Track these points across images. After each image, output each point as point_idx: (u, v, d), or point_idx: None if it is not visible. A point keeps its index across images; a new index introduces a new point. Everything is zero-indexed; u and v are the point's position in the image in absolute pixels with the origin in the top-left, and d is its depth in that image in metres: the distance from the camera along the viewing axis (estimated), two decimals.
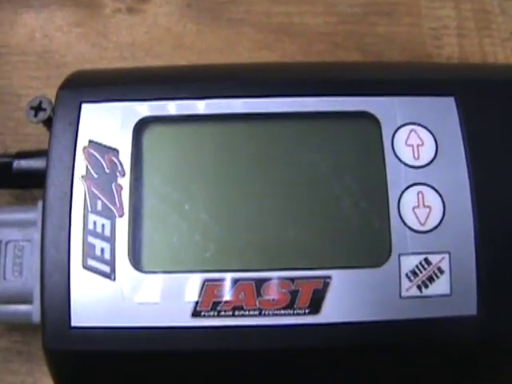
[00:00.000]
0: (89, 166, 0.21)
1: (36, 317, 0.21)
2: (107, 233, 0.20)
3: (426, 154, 0.21)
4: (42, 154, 0.23)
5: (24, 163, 0.23)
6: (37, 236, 0.21)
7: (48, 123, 0.22)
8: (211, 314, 0.20)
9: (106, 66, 0.28)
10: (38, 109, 0.22)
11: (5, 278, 0.21)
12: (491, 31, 0.28)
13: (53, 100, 0.22)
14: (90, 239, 0.20)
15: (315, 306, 0.19)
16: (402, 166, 0.21)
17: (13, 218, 0.22)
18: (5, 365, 0.24)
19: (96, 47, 0.28)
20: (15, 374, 0.24)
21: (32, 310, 0.21)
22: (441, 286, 0.20)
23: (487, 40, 0.28)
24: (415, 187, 0.20)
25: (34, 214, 0.22)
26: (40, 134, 0.25)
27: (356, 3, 0.29)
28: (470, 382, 0.21)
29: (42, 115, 0.22)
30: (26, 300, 0.21)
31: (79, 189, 0.21)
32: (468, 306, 0.20)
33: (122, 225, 0.20)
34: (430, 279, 0.20)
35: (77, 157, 0.21)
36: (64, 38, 0.29)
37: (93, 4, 0.29)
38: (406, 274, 0.20)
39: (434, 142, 0.21)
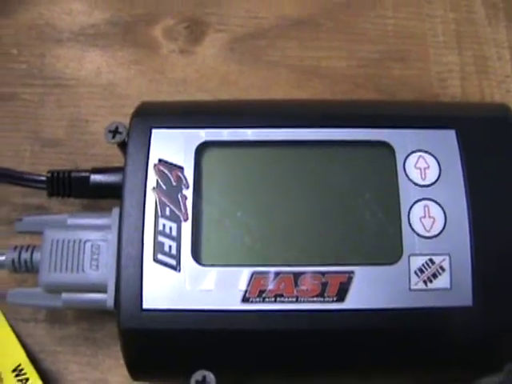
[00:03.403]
0: (159, 180, 0.23)
1: (110, 303, 0.23)
2: (174, 233, 0.23)
3: (431, 175, 0.23)
4: (115, 170, 0.26)
5: (99, 177, 0.26)
6: (111, 237, 0.24)
7: (122, 145, 0.25)
8: (257, 300, 0.22)
9: (162, 99, 0.29)
10: (115, 132, 0.25)
11: (83, 271, 0.24)
12: (489, 75, 0.31)
13: (127, 125, 0.25)
14: (160, 238, 0.23)
15: (341, 295, 0.22)
16: (412, 184, 0.23)
17: (89, 222, 0.25)
18: (74, 348, 0.27)
19: (153, 82, 0.31)
20: (82, 355, 0.27)
21: (106, 297, 0.23)
22: (442, 282, 0.22)
23: (486, 82, 0.31)
24: (422, 202, 0.23)
25: (107, 220, 0.25)
26: (105, 154, 0.29)
27: (374, 50, 0.32)
28: (466, 365, 0.23)
29: (119, 137, 0.25)
30: (100, 290, 0.24)
31: (151, 198, 0.23)
32: (465, 299, 0.22)
33: (186, 227, 0.23)
34: (434, 276, 0.22)
35: (148, 172, 0.23)
36: (125, 73, 0.31)
37: (150, 45, 0.32)
38: (415, 271, 0.22)
39: (437, 166, 0.24)
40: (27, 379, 0.25)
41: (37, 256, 0.25)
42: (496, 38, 0.32)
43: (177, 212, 0.23)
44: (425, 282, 0.23)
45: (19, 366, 0.25)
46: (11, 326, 0.27)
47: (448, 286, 0.23)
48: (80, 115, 0.31)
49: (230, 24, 0.32)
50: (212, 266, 0.23)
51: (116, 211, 0.24)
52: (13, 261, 0.25)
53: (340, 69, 0.31)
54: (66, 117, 0.31)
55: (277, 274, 0.22)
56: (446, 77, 0.31)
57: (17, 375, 0.25)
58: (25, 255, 0.25)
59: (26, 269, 0.25)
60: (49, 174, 0.27)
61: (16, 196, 0.29)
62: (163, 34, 0.32)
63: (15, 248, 0.25)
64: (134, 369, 0.23)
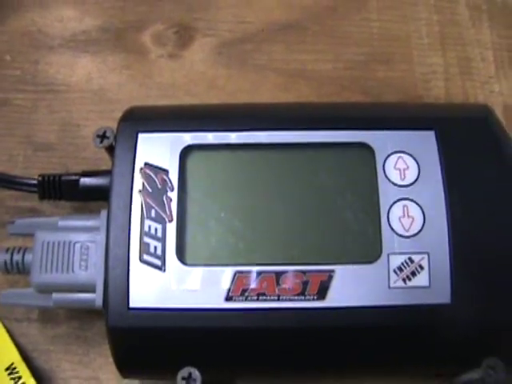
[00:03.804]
0: (145, 183, 0.24)
1: (99, 303, 0.24)
2: (159, 234, 0.23)
3: (411, 175, 0.24)
4: (103, 173, 0.26)
5: (88, 180, 0.26)
6: (99, 238, 0.24)
7: (109, 149, 0.26)
8: (240, 298, 0.23)
9: (151, 103, 0.30)
10: (103, 137, 0.25)
11: (73, 271, 0.25)
12: (473, 76, 0.32)
13: (114, 130, 0.26)
14: (146, 239, 0.23)
15: (322, 294, 0.23)
16: (391, 185, 0.24)
17: (78, 224, 0.26)
18: (65, 347, 0.27)
19: (143, 87, 0.32)
20: (74, 354, 0.27)
21: (95, 297, 0.24)
22: (421, 280, 0.23)
23: (469, 83, 0.32)
24: (401, 202, 0.24)
25: (95, 221, 0.25)
26: (95, 158, 0.29)
27: (360, 52, 0.32)
28: (446, 361, 0.24)
29: (106, 142, 0.25)
30: (89, 290, 0.24)
31: (137, 200, 0.24)
32: (443, 296, 0.23)
33: (171, 228, 0.23)
34: (413, 274, 0.23)
35: (135, 175, 0.24)
36: (116, 78, 0.32)
37: (140, 50, 0.32)
38: (394, 270, 0.23)
39: (417, 167, 0.24)
40: (20, 377, 0.26)
41: (28, 257, 0.26)
42: (479, 39, 0.33)
43: (162, 214, 0.24)
44: (404, 280, 0.23)
45: (12, 364, 0.26)
46: (4, 325, 0.27)
47: (427, 283, 0.23)
48: (71, 120, 0.31)
49: (218, 29, 0.33)
50: (196, 265, 0.23)
51: (104, 213, 0.25)
52: (5, 262, 0.26)
53: (326, 71, 0.32)
54: (57, 121, 0.31)
55: (259, 273, 0.23)
56: (430, 78, 0.32)
57: (10, 373, 0.26)
58: (16, 257, 0.26)
59: (17, 270, 0.26)
60: (40, 178, 0.27)
61: (9, 199, 0.30)
62: (153, 39, 0.33)
63: (7, 250, 0.26)
64: (122, 366, 0.24)
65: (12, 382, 0.26)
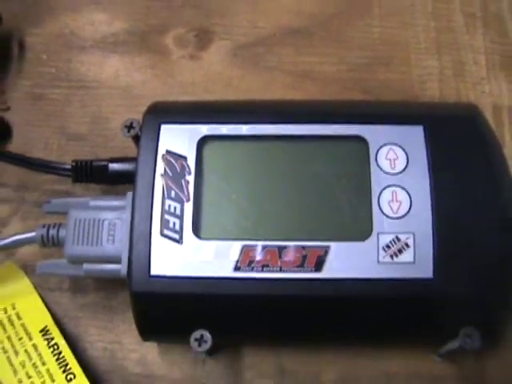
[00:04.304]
0: (166, 168, 0.27)
1: (123, 272, 0.27)
2: (178, 212, 0.26)
3: (400, 165, 0.26)
4: (129, 160, 0.29)
5: (116, 166, 0.29)
6: (125, 216, 0.27)
7: (135, 138, 0.28)
8: (247, 269, 0.25)
9: (173, 99, 0.32)
10: (130, 127, 0.28)
11: (102, 245, 0.27)
12: (465, 77, 0.34)
13: (140, 121, 0.28)
14: (166, 216, 0.26)
15: (319, 266, 0.25)
16: (382, 173, 0.26)
17: (107, 204, 0.28)
18: (92, 314, 0.30)
19: (165, 84, 0.34)
20: (100, 320, 0.30)
21: (120, 267, 0.27)
22: (407, 256, 0.25)
23: (462, 84, 0.34)
24: (391, 187, 0.26)
25: (122, 202, 0.28)
26: (122, 146, 0.32)
27: (362, 56, 0.35)
28: (428, 330, 0.26)
29: (133, 132, 0.28)
30: (116, 261, 0.27)
31: (159, 183, 0.26)
32: (426, 271, 0.25)
33: (188, 207, 0.26)
34: (400, 251, 0.25)
35: (157, 161, 0.27)
36: (141, 76, 0.35)
37: (163, 51, 0.35)
38: (383, 247, 0.25)
39: (406, 157, 0.27)
40: (52, 338, 0.29)
41: (62, 232, 0.29)
42: (473, 44, 0.35)
43: (180, 194, 0.27)
44: (391, 257, 0.26)
45: (46, 327, 0.29)
46: (40, 294, 0.31)
47: (412, 260, 0.25)
48: (101, 113, 0.34)
49: (233, 33, 0.35)
50: (209, 239, 0.26)
51: (130, 194, 0.28)
52: (42, 236, 0.29)
53: (330, 73, 0.34)
54: (88, 114, 0.34)
55: (264, 247, 0.26)
56: (425, 79, 0.34)
57: (44, 335, 0.29)
58: (52, 231, 0.29)
59: (52, 243, 0.29)
60: (73, 163, 0.30)
61: (46, 183, 0.33)
62: (175, 41, 0.36)
63: (43, 226, 0.29)
64: (143, 329, 0.27)
65: (45, 342, 0.29)
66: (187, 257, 0.26)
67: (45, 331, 0.29)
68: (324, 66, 0.34)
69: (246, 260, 0.26)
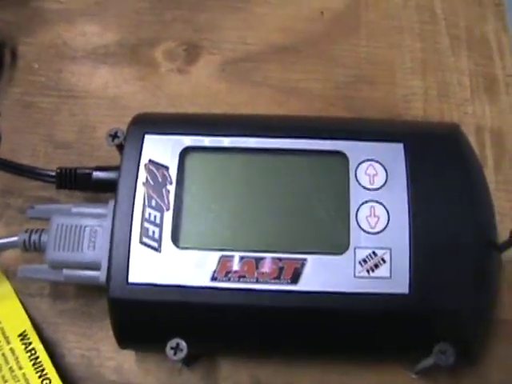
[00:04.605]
0: (148, 177, 0.27)
1: (102, 278, 0.27)
2: (157, 221, 0.26)
3: (379, 181, 0.27)
4: (113, 168, 0.29)
5: (100, 174, 0.30)
6: (106, 223, 0.28)
7: (120, 147, 0.29)
8: (224, 279, 0.25)
9: (159, 111, 0.33)
10: (114, 136, 0.28)
11: (82, 251, 0.28)
12: (449, 98, 0.34)
13: (124, 131, 0.29)
14: (146, 224, 0.26)
15: (295, 278, 0.25)
16: (361, 188, 0.27)
17: (89, 211, 0.29)
18: (71, 321, 0.30)
19: (153, 96, 0.35)
20: (79, 327, 0.30)
21: (99, 274, 0.27)
22: (383, 271, 0.25)
23: (446, 105, 0.34)
24: (369, 203, 0.27)
25: (104, 209, 0.28)
26: (108, 156, 0.32)
27: (347, 74, 0.35)
28: (403, 345, 0.26)
29: (117, 140, 0.28)
30: (95, 267, 0.27)
31: (140, 191, 0.27)
32: (402, 286, 0.25)
33: (168, 216, 0.26)
34: (376, 266, 0.26)
35: (140, 170, 0.27)
36: (130, 88, 0.35)
37: (152, 64, 0.36)
38: (359, 261, 0.26)
39: (385, 173, 0.27)
40: (30, 343, 0.29)
41: (44, 238, 0.29)
42: (458, 65, 0.35)
43: (161, 203, 0.27)
44: (368, 271, 0.26)
45: (24, 332, 0.29)
46: (20, 299, 0.31)
47: (388, 275, 0.26)
48: (88, 122, 0.34)
49: (222, 48, 0.36)
50: (187, 249, 0.26)
51: (112, 202, 0.28)
52: (24, 241, 0.29)
53: (316, 90, 0.35)
54: (76, 123, 0.34)
55: (241, 258, 0.26)
56: (410, 99, 0.34)
57: (22, 339, 0.29)
58: (34, 237, 0.29)
59: (34, 248, 0.29)
60: (58, 170, 0.31)
61: (31, 189, 0.33)
62: (164, 55, 0.36)
63: (26, 230, 0.29)
64: (120, 336, 0.27)
65: (23, 346, 0.29)
66: (165, 265, 0.26)
67: (23, 336, 0.29)
68: (310, 82, 0.35)
69: (223, 270, 0.26)
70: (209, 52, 0.36)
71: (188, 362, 0.29)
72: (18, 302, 0.31)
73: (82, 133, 0.34)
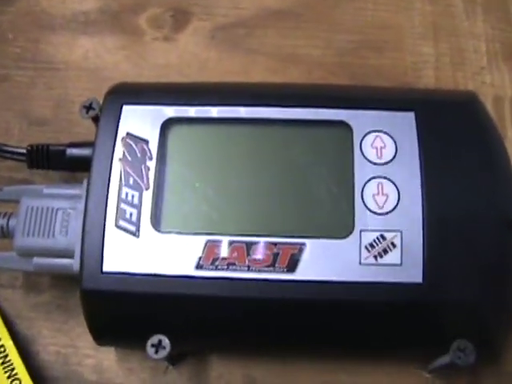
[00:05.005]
0: (125, 152, 0.25)
1: (76, 267, 0.24)
2: (136, 201, 0.24)
3: (387, 154, 0.24)
4: (89, 144, 0.26)
5: (74, 151, 0.27)
6: (80, 206, 0.25)
7: (95, 119, 0.26)
8: (211, 267, 0.23)
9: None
10: (89, 108, 0.26)
11: (54, 236, 0.25)
12: (464, 66, 0.32)
13: (101, 102, 0.26)
14: (122, 205, 0.24)
15: (292, 266, 0.23)
16: (367, 162, 0.24)
17: (62, 192, 0.26)
18: (46, 315, 0.28)
19: (137, 67, 0.32)
20: (53, 322, 0.28)
21: (73, 262, 0.25)
22: (393, 258, 0.23)
23: (460, 73, 0.32)
24: (376, 179, 0.24)
25: (78, 190, 0.26)
26: (87, 133, 0.28)
27: (351, 40, 0.32)
28: (415, 341, 0.24)
29: (92, 113, 0.26)
30: (68, 255, 0.25)
31: (116, 168, 0.24)
32: (415, 275, 0.23)
33: (147, 196, 0.24)
34: (385, 251, 0.23)
35: (116, 144, 0.25)
36: (112, 58, 0.33)
37: (136, 32, 0.33)
38: (365, 246, 0.23)
39: (394, 146, 0.24)
40: None
41: (13, 222, 0.26)
42: (473, 31, 0.33)
43: (139, 182, 0.24)
44: (375, 257, 0.23)
45: None
46: None
47: (398, 262, 0.23)
48: (67, 96, 0.32)
49: (212, 13, 0.33)
50: (169, 233, 0.24)
51: (86, 182, 0.25)
52: None
53: (316, 57, 0.32)
54: (54, 97, 0.32)
55: (230, 243, 0.23)
56: (420, 67, 0.32)
57: None
58: (1, 221, 0.26)
59: (2, 234, 0.26)
60: (29, 147, 0.28)
61: (2, 170, 0.30)
62: (149, 22, 0.33)
63: None
64: (95, 331, 0.25)
65: None
66: (144, 252, 0.24)
67: None
68: (309, 49, 0.32)
69: (209, 257, 0.23)
70: (198, 18, 0.34)
71: (173, 360, 0.26)
72: None
73: (59, 108, 0.32)
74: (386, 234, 0.23)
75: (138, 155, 0.25)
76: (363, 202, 0.24)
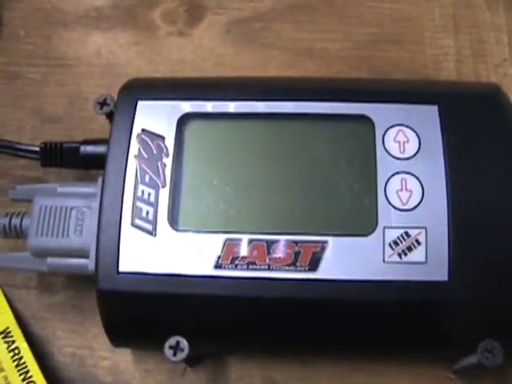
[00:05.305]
0: (141, 148, 0.24)
1: (91, 267, 0.24)
2: (152, 199, 0.23)
3: (411, 149, 0.23)
4: (103, 141, 0.26)
5: (88, 148, 0.27)
6: (95, 204, 0.24)
7: (110, 115, 0.26)
8: (230, 266, 0.22)
9: None
10: (103, 104, 0.26)
11: (68, 236, 0.25)
12: (486, 58, 0.31)
13: (115, 98, 0.26)
14: (139, 204, 0.23)
15: (313, 265, 0.22)
16: (390, 157, 0.23)
17: (76, 191, 0.26)
18: (61, 316, 0.27)
19: (151, 63, 0.32)
20: (69, 323, 0.27)
21: (88, 262, 0.24)
22: (417, 255, 0.22)
23: (482, 66, 0.31)
24: (400, 175, 0.23)
25: (93, 188, 0.25)
26: (101, 130, 0.28)
27: (369, 32, 0.32)
28: (441, 341, 0.23)
29: (106, 109, 0.26)
30: (83, 255, 0.24)
31: (132, 165, 0.24)
32: (440, 273, 0.22)
33: (164, 194, 0.23)
34: (409, 249, 0.22)
35: (131, 141, 0.24)
36: (125, 54, 0.32)
37: (150, 27, 0.33)
38: (389, 244, 0.22)
39: (417, 140, 0.24)
40: (13, 341, 0.26)
41: (26, 221, 0.26)
42: (494, 22, 0.32)
43: (156, 179, 0.24)
44: (399, 255, 0.22)
45: (7, 328, 0.27)
46: (4, 291, 0.28)
47: (423, 259, 0.22)
48: (80, 93, 0.32)
49: (228, 7, 0.33)
50: (186, 231, 0.23)
51: (101, 179, 0.25)
52: (4, 226, 0.26)
53: (334, 51, 0.32)
54: (66, 94, 0.32)
55: (250, 241, 0.23)
56: (441, 59, 0.31)
57: (4, 337, 0.26)
58: (15, 221, 0.26)
59: (16, 234, 0.26)
60: (42, 145, 0.28)
61: (15, 169, 0.30)
62: (163, 16, 0.33)
63: (6, 214, 0.26)
64: (111, 332, 0.24)
65: (6, 345, 0.26)
66: (161, 251, 0.23)
67: (5, 333, 0.27)
68: (326, 43, 0.32)
69: (228, 256, 0.23)
70: (213, 12, 0.33)
71: (191, 362, 0.25)
72: (1, 295, 0.28)
73: (72, 105, 0.31)
74: (411, 231, 0.23)
75: (154, 152, 0.24)
76: (386, 198, 0.23)
